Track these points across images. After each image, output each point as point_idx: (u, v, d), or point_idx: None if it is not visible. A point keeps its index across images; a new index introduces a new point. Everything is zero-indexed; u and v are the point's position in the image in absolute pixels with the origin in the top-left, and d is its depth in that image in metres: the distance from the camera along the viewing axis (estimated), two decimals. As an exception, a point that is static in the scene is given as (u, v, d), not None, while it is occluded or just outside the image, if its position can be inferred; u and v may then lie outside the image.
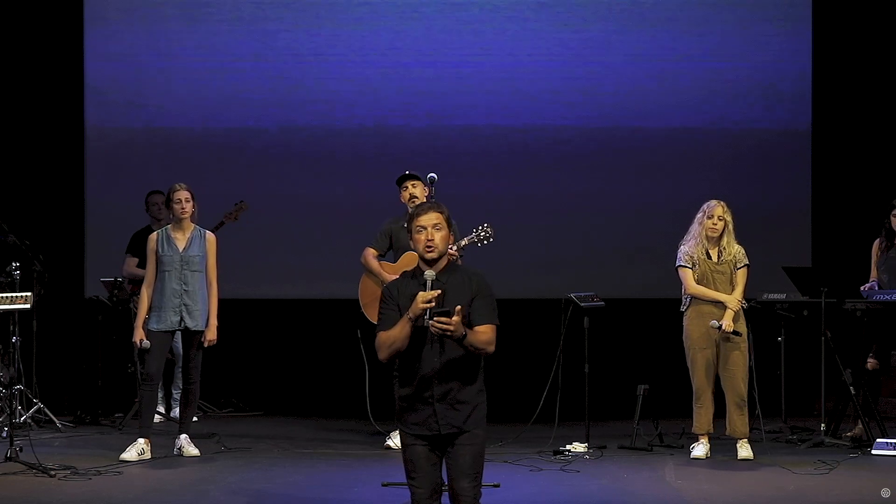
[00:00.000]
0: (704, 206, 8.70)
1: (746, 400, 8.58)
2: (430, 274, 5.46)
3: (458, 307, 5.33)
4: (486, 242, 8.61)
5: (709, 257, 8.66)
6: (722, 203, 8.66)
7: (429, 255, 5.51)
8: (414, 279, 5.55)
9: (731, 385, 8.56)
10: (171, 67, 11.24)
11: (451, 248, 8.31)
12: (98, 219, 11.22)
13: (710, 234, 8.63)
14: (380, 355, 5.54)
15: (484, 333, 5.46)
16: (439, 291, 5.39)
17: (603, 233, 11.21)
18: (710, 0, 11.25)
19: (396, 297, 5.53)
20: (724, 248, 8.65)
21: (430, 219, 5.52)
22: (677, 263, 8.71)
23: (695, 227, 8.71)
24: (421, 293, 5.38)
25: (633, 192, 11.22)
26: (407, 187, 8.86)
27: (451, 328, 5.30)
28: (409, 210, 8.88)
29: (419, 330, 5.42)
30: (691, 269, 8.67)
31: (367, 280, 9.01)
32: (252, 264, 11.04)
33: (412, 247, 5.63)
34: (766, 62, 11.22)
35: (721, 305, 8.55)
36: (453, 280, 5.53)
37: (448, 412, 5.49)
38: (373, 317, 8.81)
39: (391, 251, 9.05)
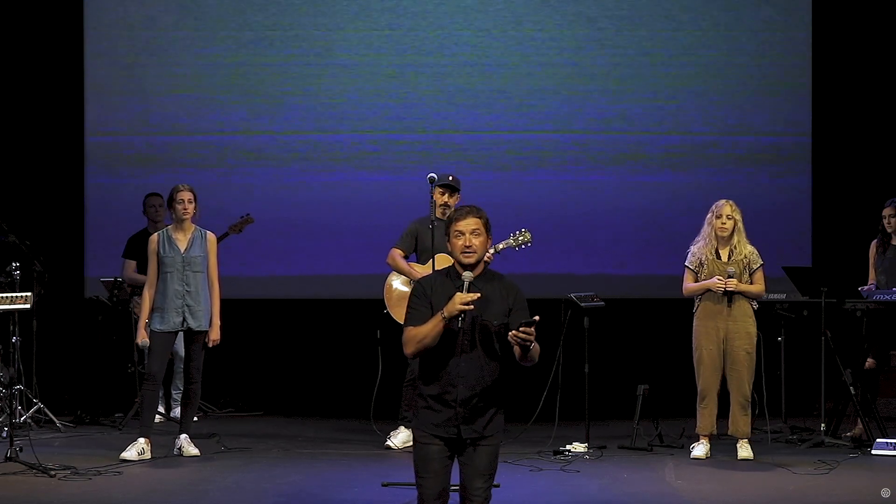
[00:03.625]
0: (713, 205, 8.69)
1: (750, 400, 8.58)
2: (468, 275, 5.43)
3: (537, 318, 5.31)
4: (524, 247, 8.60)
5: (718, 257, 8.64)
6: (730, 202, 8.65)
7: (466, 260, 5.47)
8: (448, 279, 5.52)
9: (736, 385, 8.56)
10: (172, 68, 11.23)
11: (488, 252, 8.36)
12: (98, 219, 11.22)
13: (719, 233, 8.61)
14: (406, 350, 5.49)
15: (536, 344, 5.44)
16: (478, 295, 5.36)
17: (604, 232, 11.20)
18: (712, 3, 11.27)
19: (429, 295, 5.49)
20: (735, 248, 8.63)
21: (468, 224, 5.49)
22: (684, 263, 8.74)
23: (705, 228, 8.70)
24: (459, 294, 5.34)
25: (632, 192, 11.20)
26: (444, 193, 8.81)
27: (532, 339, 5.28)
28: (434, 211, 8.89)
29: (448, 332, 5.39)
30: (693, 270, 8.67)
31: (393, 279, 8.98)
32: (252, 264, 11.04)
33: (448, 250, 5.59)
34: (767, 62, 11.22)
35: (726, 302, 8.53)
36: (490, 288, 5.50)
37: (470, 417, 5.47)
38: (399, 317, 8.79)
39: (415, 252, 9.02)
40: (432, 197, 8.67)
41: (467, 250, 5.48)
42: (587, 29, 11.23)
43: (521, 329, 5.27)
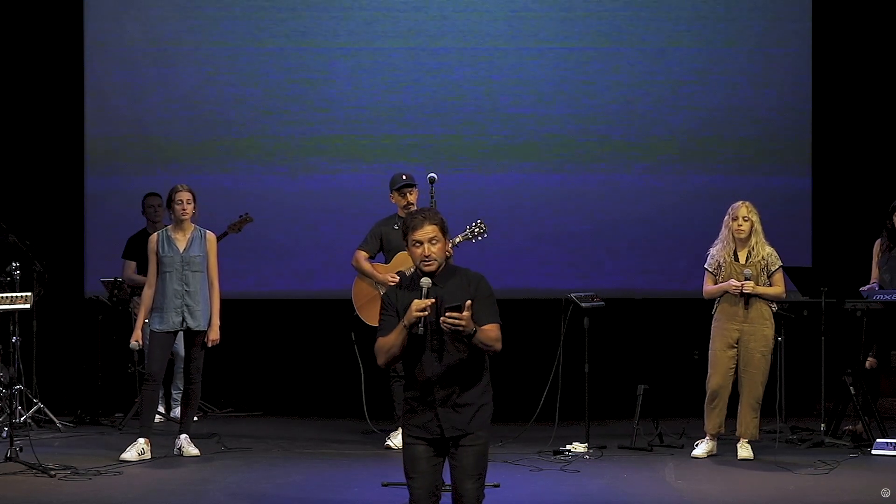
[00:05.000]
0: (730, 207, 8.66)
1: (760, 402, 8.56)
2: (426, 282, 5.48)
3: (469, 301, 5.35)
4: (480, 238, 8.63)
5: (736, 259, 8.62)
6: (747, 203, 8.62)
7: (427, 269, 5.54)
8: (412, 286, 5.57)
9: (748, 387, 8.53)
10: (171, 68, 11.23)
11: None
12: (98, 219, 11.22)
13: (736, 235, 8.58)
14: (378, 360, 5.60)
15: (491, 331, 5.48)
16: (433, 301, 5.42)
17: (604, 232, 11.19)
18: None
19: (395, 304, 5.57)
20: (753, 250, 8.61)
21: (425, 233, 5.54)
22: (704, 266, 8.74)
23: (722, 230, 8.67)
24: (415, 301, 5.41)
25: (633, 191, 11.20)
26: (405, 194, 8.84)
27: (463, 323, 5.32)
28: (401, 214, 8.90)
29: (418, 336, 5.44)
30: (712, 273, 8.65)
31: (360, 282, 9.02)
32: (252, 264, 11.04)
33: (410, 255, 5.65)
34: (767, 62, 11.21)
35: (743, 304, 8.52)
36: (452, 283, 5.55)
37: (450, 415, 5.51)
38: (368, 319, 8.82)
39: (382, 252, 9.05)
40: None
41: (427, 260, 5.53)
42: (589, 42, 11.25)
43: (446, 315, 5.31)
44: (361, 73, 11.22)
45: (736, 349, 8.54)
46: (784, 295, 8.73)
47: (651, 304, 10.95)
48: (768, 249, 8.63)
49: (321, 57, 11.23)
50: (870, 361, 9.23)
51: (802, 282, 9.21)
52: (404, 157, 10.94)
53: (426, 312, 5.38)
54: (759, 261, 8.57)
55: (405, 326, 5.42)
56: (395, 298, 5.59)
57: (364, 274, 8.96)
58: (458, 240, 8.56)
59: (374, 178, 11.06)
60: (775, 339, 8.68)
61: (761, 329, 8.54)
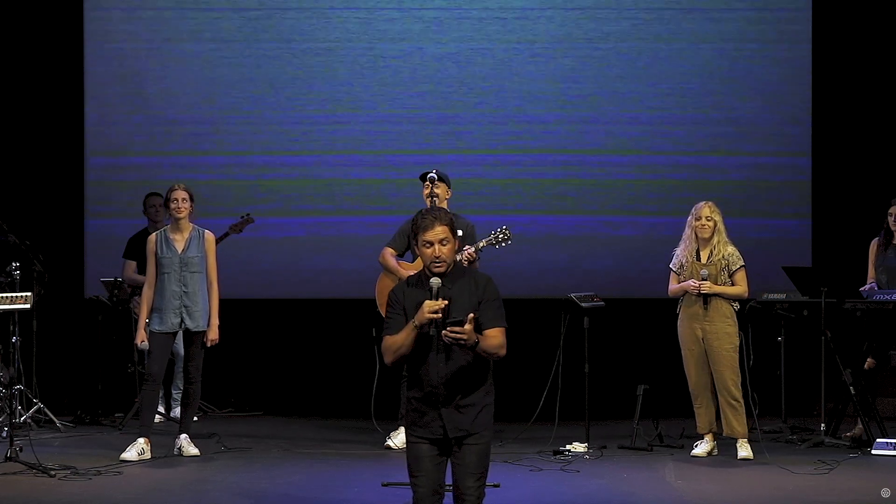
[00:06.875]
0: (693, 207, 8.72)
1: (740, 399, 8.56)
2: (436, 282, 5.46)
3: (471, 315, 5.34)
4: (504, 245, 8.63)
5: (698, 258, 8.65)
6: (709, 203, 8.66)
7: (437, 270, 5.52)
8: (420, 285, 5.56)
9: (721, 385, 8.56)
10: (172, 67, 11.23)
11: (468, 250, 8.38)
12: (98, 219, 11.21)
13: (699, 234, 8.63)
14: (385, 359, 5.58)
15: (495, 338, 5.48)
16: (446, 302, 5.40)
17: (603, 232, 11.20)
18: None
19: (402, 301, 5.55)
20: (715, 249, 8.64)
21: (436, 234, 5.52)
22: (668, 265, 8.77)
23: (686, 230, 8.72)
24: (427, 302, 5.39)
25: (633, 190, 11.20)
26: (427, 185, 8.86)
27: (465, 337, 5.31)
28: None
29: (425, 336, 5.44)
30: (676, 272, 8.70)
31: (385, 279, 9.00)
32: (252, 264, 11.03)
33: (419, 254, 5.63)
34: (766, 58, 11.20)
35: (702, 303, 8.54)
36: (460, 285, 5.54)
37: (454, 416, 5.51)
38: None
39: (410, 251, 9.03)
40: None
41: (437, 261, 5.52)
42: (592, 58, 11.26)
43: (448, 329, 5.30)
44: (368, 71, 11.20)
45: (703, 347, 8.57)
46: (745, 294, 8.71)
47: (651, 305, 10.94)
48: (730, 249, 8.65)
49: (324, 55, 11.21)
50: (869, 362, 9.23)
51: (802, 282, 9.21)
52: (408, 154, 10.94)
53: (438, 316, 5.36)
54: (719, 260, 8.59)
55: (416, 327, 5.41)
56: (403, 296, 5.58)
57: (389, 271, 8.95)
58: (481, 245, 8.58)
59: (375, 178, 11.08)
60: (739, 335, 8.67)
61: (723, 327, 8.56)
